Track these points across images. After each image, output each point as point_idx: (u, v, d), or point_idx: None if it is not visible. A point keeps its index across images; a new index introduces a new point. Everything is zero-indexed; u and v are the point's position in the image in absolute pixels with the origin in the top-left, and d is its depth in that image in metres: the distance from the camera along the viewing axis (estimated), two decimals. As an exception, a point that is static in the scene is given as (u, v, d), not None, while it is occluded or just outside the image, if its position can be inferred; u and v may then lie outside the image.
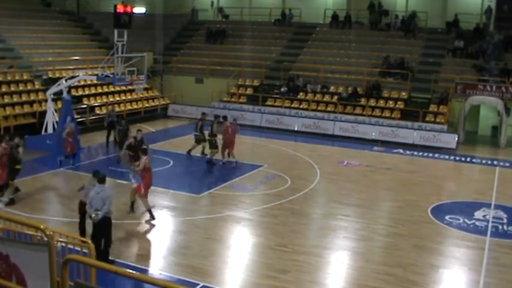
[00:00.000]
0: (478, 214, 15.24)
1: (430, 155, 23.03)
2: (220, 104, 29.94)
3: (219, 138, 19.66)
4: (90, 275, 7.09)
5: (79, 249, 8.43)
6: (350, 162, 21.10)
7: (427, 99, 27.63)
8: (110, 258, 11.02)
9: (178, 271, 11.05)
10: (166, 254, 12.03)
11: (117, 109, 26.98)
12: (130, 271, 5.87)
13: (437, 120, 26.15)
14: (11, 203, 14.44)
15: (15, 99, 23.66)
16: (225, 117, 19.97)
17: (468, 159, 22.68)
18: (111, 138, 21.90)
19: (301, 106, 28.70)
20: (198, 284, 10.39)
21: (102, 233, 10.91)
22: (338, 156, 21.76)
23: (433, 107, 26.95)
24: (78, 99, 25.90)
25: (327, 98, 28.92)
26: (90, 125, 24.90)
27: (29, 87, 24.77)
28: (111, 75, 20.41)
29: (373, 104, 27.73)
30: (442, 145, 24.16)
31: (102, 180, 11.18)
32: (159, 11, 35.82)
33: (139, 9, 37.16)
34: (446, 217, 14.90)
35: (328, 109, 28.18)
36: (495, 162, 22.04)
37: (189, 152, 20.72)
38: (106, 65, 21.01)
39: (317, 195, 17.00)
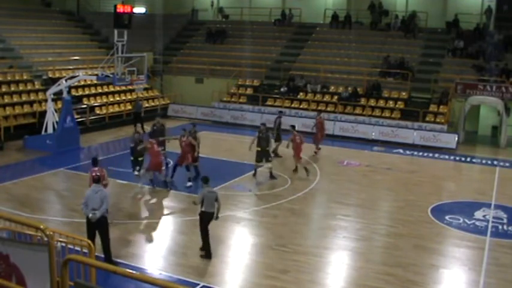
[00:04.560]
0: (478, 214, 15.24)
1: (430, 155, 23.03)
2: (220, 104, 29.95)
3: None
4: (90, 275, 7.10)
5: (79, 249, 8.43)
6: (350, 162, 21.10)
7: (427, 99, 27.63)
8: (112, 259, 11.02)
9: (178, 271, 11.05)
10: (166, 254, 12.03)
11: (116, 109, 27.09)
12: (130, 271, 5.86)
13: (437, 120, 26.14)
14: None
15: (15, 99, 23.65)
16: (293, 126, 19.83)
17: (468, 159, 22.67)
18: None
19: (301, 106, 28.70)
20: (198, 284, 10.40)
21: (99, 233, 10.91)
22: (338, 156, 21.75)
23: (433, 107, 26.95)
24: (78, 99, 25.89)
25: (327, 98, 28.91)
26: (90, 125, 24.90)
27: (29, 87, 24.77)
28: (111, 75, 20.40)
29: (373, 104, 27.72)
30: (442, 145, 24.16)
31: (98, 180, 11.25)
32: (159, 11, 35.82)
33: (139, 9, 37.14)
34: (446, 217, 14.90)
35: (328, 109, 28.17)
36: (495, 162, 22.03)
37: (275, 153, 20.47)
38: (106, 65, 21.00)
39: (317, 195, 17.00)
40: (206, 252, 11.67)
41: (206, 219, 11.70)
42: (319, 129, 22.18)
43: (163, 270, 11.15)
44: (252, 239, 13.19)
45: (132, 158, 17.38)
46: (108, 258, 10.78)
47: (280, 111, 24.15)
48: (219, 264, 11.54)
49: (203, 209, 11.62)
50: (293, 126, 19.46)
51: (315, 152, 21.67)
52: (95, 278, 7.13)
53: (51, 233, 6.12)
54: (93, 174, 12.16)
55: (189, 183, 16.89)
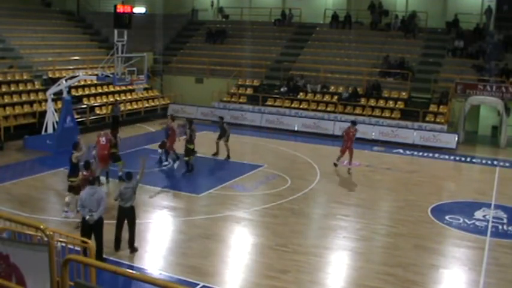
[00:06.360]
0: (478, 214, 15.25)
1: (430, 155, 23.03)
2: (220, 104, 29.94)
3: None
4: (90, 275, 7.09)
5: (79, 249, 8.43)
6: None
7: (427, 99, 27.63)
8: (103, 257, 11.08)
9: (178, 271, 11.05)
10: (166, 254, 12.04)
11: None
12: (131, 271, 5.87)
13: (437, 120, 26.14)
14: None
15: (15, 99, 23.65)
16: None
17: (468, 159, 22.67)
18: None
19: (301, 106, 28.70)
20: (198, 284, 10.40)
21: (95, 234, 10.93)
22: (338, 156, 21.72)
23: (433, 107, 26.95)
24: (78, 99, 25.88)
25: (327, 98, 28.91)
26: (90, 125, 24.89)
27: (29, 87, 24.76)
28: (111, 75, 20.40)
29: (373, 104, 27.72)
30: (442, 145, 24.15)
31: (93, 182, 11.27)
32: (159, 11, 35.83)
33: (139, 9, 37.14)
34: (446, 217, 14.90)
35: (328, 109, 28.18)
36: (495, 162, 22.04)
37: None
38: (106, 65, 21.00)
39: (317, 195, 17.00)
40: (115, 243, 11.84)
41: (121, 214, 11.86)
42: (351, 141, 19.67)
43: (163, 270, 11.15)
44: (252, 239, 13.19)
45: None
46: (100, 256, 10.80)
47: (221, 117, 21.84)
48: (219, 264, 11.55)
49: (119, 204, 11.84)
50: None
51: (348, 170, 19.66)
52: (95, 278, 7.13)
53: (51, 233, 6.12)
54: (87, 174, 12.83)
55: (165, 163, 19.06)
